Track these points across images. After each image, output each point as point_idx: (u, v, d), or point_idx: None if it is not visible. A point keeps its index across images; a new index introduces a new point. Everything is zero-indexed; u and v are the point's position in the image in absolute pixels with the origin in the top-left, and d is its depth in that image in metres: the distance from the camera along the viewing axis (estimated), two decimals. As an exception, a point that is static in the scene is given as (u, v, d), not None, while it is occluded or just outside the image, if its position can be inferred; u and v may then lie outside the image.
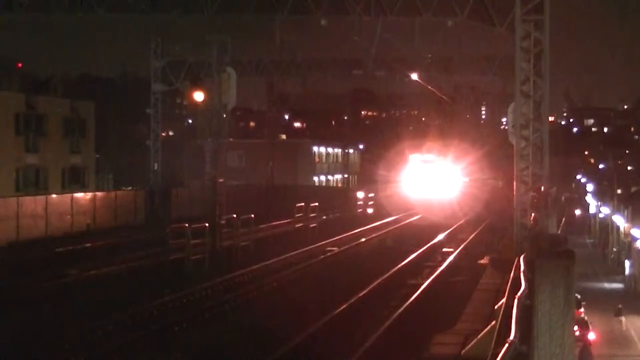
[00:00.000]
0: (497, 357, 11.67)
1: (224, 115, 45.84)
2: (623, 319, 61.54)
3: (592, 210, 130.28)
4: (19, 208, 46.80)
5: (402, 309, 26.04)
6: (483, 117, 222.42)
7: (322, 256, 39.77)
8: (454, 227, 56.25)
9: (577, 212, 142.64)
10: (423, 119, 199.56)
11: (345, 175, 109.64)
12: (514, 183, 32.80)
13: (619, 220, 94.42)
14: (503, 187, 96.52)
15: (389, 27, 50.69)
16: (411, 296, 28.28)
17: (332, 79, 68.53)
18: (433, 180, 72.78)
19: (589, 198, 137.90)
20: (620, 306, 63.25)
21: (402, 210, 66.74)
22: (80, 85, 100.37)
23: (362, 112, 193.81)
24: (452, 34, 49.76)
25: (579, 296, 53.01)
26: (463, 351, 17.91)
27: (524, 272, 18.63)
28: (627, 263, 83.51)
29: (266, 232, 48.08)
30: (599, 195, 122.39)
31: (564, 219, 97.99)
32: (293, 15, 40.48)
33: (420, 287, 30.19)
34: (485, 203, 71.47)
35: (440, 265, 37.18)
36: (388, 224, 58.16)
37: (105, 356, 20.79)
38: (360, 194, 73.48)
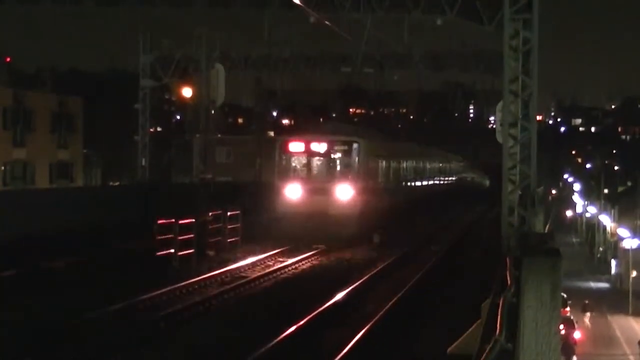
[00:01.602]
0: (482, 354, 11.68)
1: (212, 112, 45.74)
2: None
3: (579, 209, 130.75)
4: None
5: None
6: (471, 114, 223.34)
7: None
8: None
9: (569, 213, 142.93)
10: (411, 117, 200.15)
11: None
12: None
13: (606, 220, 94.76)
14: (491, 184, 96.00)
15: (379, 24, 50.72)
16: None
17: (321, 75, 68.36)
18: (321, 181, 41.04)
19: (576, 197, 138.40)
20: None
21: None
22: (69, 80, 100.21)
23: (351, 109, 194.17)
24: (442, 31, 49.70)
25: (565, 295, 53.09)
26: (449, 349, 17.93)
27: (510, 269, 18.66)
28: (613, 262, 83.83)
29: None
30: (586, 194, 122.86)
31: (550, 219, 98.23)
32: (282, 10, 40.56)
33: None
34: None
35: None
36: None
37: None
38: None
